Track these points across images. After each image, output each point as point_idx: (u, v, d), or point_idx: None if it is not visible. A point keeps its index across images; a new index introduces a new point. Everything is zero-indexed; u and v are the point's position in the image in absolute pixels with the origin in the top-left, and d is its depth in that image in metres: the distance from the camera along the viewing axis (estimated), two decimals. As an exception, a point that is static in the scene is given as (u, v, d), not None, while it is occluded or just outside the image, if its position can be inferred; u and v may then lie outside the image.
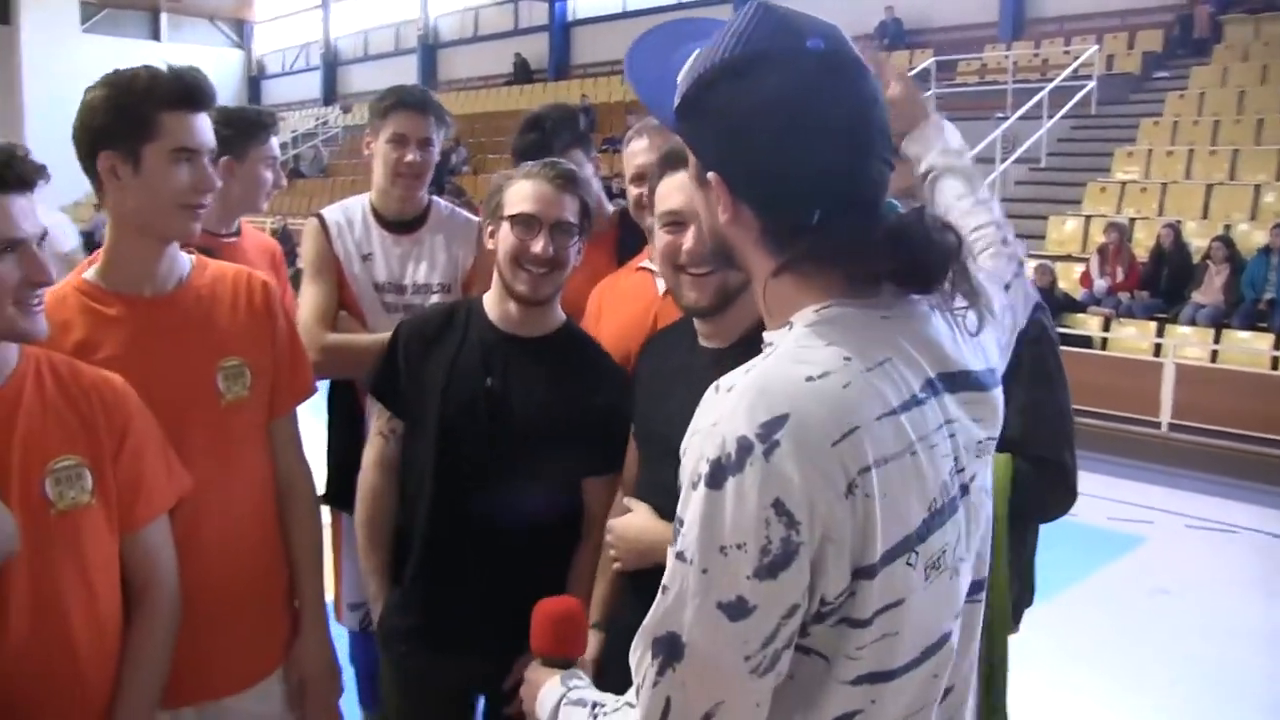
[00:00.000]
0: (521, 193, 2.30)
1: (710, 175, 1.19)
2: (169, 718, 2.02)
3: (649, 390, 2.16)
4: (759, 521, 1.04)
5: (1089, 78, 14.96)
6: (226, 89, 29.26)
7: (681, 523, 1.09)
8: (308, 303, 2.93)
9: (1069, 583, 5.61)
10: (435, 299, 2.95)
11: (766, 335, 1.22)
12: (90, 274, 2.06)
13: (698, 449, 1.09)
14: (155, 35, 32.09)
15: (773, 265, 1.20)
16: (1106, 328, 10.60)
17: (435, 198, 3.16)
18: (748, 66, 1.14)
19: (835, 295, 1.17)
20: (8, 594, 1.69)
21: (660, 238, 2.05)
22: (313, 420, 2.57)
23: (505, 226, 2.30)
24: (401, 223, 3.03)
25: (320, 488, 2.37)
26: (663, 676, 1.10)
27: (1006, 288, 1.50)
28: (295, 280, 3.22)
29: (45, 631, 1.73)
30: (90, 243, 5.69)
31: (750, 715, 1.10)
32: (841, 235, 1.14)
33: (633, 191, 2.72)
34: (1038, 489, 2.25)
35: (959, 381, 1.21)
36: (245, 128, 3.01)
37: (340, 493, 2.80)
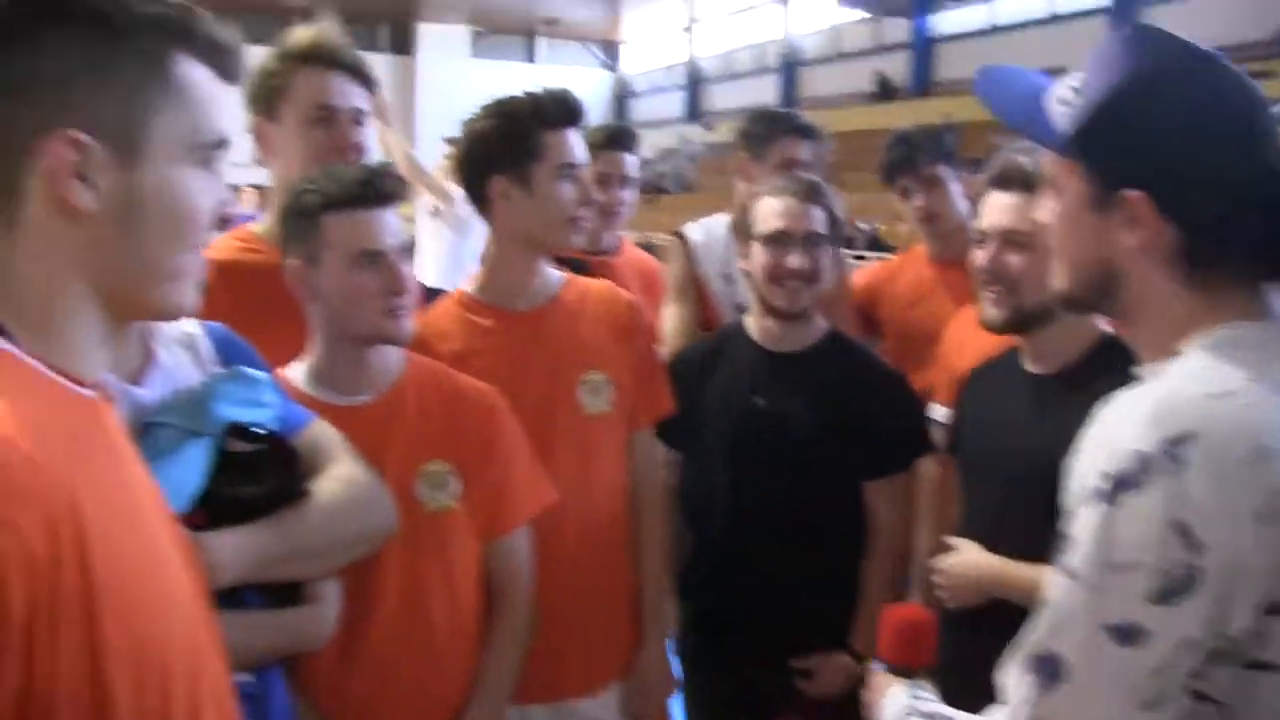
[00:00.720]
0: (770, 210, 2.34)
1: (1129, 194, 1.14)
2: (518, 714, 2.09)
3: (975, 418, 2.14)
4: (1158, 542, 0.98)
5: None
6: (595, 108, 30.75)
7: (1069, 539, 1.05)
8: (670, 322, 2.99)
9: None
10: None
11: (1145, 364, 1.18)
12: (469, 286, 2.18)
13: (1090, 465, 1.05)
14: (531, 58, 34.37)
15: (1177, 286, 1.15)
16: None
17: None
18: (1162, 81, 1.13)
19: (1236, 315, 1.12)
20: (381, 585, 1.80)
21: (979, 253, 2.03)
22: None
23: (757, 245, 2.33)
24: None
25: None
26: (1040, 697, 1.05)
27: None
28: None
29: (409, 624, 1.83)
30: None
31: None
32: (1260, 242, 1.11)
33: None
34: None
35: None
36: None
37: None
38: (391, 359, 1.89)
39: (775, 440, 2.34)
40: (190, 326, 1.53)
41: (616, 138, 3.10)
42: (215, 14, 1.05)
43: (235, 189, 6.97)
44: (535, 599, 2.00)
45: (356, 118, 2.12)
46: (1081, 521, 1.05)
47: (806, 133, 3.02)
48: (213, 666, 1.03)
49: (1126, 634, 1.00)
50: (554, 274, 2.24)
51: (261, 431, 1.45)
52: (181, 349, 1.51)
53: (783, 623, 2.35)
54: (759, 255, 2.34)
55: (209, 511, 1.34)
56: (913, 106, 23.22)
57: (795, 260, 2.29)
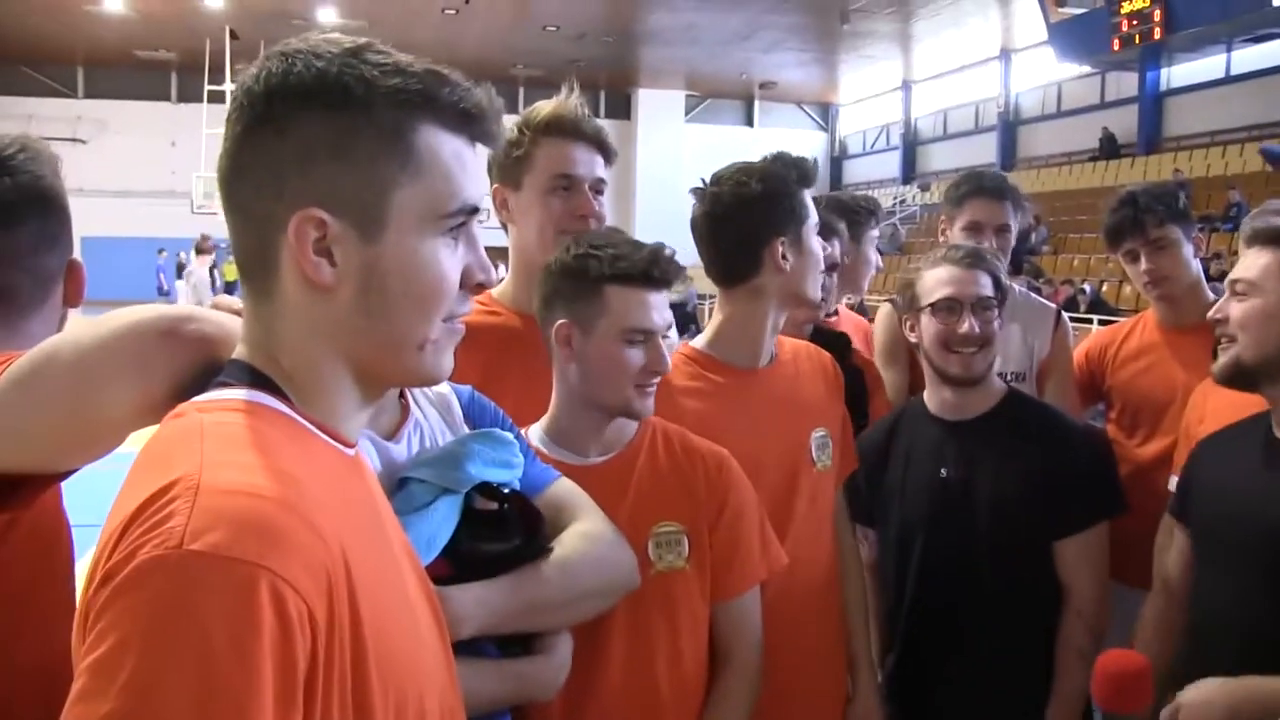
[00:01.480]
0: (937, 279, 2.35)
1: None
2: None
3: (1212, 487, 2.08)
4: None
5: None
6: (809, 169, 30.82)
7: None
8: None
9: None
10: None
11: None
12: (699, 343, 2.25)
13: None
14: (748, 121, 34.81)
15: None
16: None
17: (1011, 283, 3.10)
18: None
19: None
20: (608, 643, 1.80)
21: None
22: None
23: (926, 316, 2.34)
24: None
25: None
26: None
27: None
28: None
29: (635, 681, 1.83)
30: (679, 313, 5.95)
31: None
32: None
33: None
34: None
35: None
36: (856, 214, 3.19)
37: None
38: (627, 422, 1.92)
39: (964, 510, 2.32)
40: (442, 387, 1.61)
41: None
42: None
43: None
44: (761, 662, 1.97)
45: (597, 186, 2.18)
46: None
47: (997, 194, 2.96)
48: (457, 716, 1.09)
49: None
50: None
51: (507, 490, 1.51)
52: (434, 408, 1.60)
53: (983, 690, 2.30)
54: (929, 325, 2.34)
55: (453, 564, 1.41)
56: (1140, 163, 22.31)
57: (966, 326, 2.29)
